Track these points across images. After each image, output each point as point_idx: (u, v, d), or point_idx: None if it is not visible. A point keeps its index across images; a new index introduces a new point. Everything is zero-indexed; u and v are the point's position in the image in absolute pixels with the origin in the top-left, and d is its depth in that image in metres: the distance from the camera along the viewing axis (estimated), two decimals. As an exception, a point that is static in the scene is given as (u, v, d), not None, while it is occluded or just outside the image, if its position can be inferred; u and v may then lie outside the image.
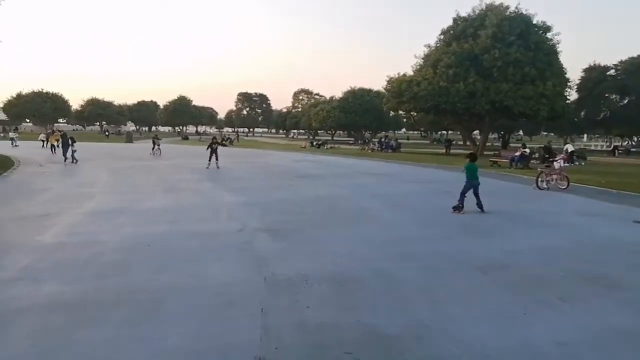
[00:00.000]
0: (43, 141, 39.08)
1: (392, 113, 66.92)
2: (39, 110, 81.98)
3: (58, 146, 29.29)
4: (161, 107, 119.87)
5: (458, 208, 11.04)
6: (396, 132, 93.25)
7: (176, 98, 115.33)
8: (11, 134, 43.81)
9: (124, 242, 7.84)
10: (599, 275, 6.41)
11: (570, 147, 33.17)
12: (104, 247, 7.52)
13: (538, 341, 4.36)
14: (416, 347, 4.18)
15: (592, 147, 58.14)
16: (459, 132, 60.03)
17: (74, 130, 62.75)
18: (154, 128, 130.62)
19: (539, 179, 16.39)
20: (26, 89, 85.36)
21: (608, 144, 59.60)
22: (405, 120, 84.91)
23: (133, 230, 8.81)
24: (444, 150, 45.60)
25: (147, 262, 6.72)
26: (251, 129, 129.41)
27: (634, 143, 59.41)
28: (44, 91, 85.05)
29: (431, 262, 6.88)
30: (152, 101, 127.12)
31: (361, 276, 6.17)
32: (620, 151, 51.38)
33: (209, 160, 22.62)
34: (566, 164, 19.53)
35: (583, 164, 30.45)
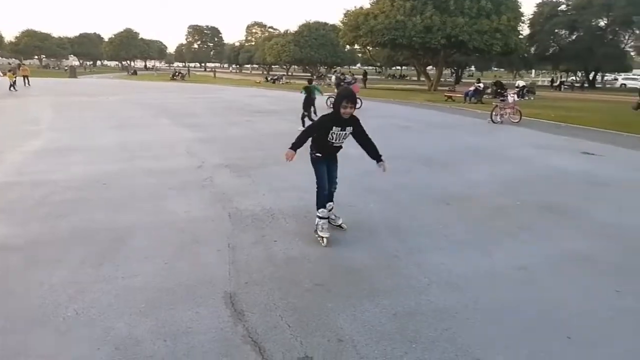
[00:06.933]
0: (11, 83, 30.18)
1: (347, 47, 65.76)
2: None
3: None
4: (106, 40, 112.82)
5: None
6: (351, 67, 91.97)
7: (122, 30, 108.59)
8: None
9: (77, 181, 7.48)
10: (552, 203, 6.69)
11: (521, 82, 33.88)
12: (56, 186, 7.15)
13: (500, 267, 4.54)
14: (385, 277, 4.25)
15: (540, 83, 59.62)
16: (413, 68, 59.93)
17: (9, 64, 58.09)
18: (99, 62, 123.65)
19: (493, 113, 16.73)
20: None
21: (552, 79, 61.23)
22: (360, 55, 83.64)
23: (86, 168, 8.41)
24: (399, 86, 45.56)
25: (104, 201, 6.45)
26: (203, 64, 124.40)
27: (578, 79, 61.41)
28: (-29, 21, 77.83)
29: (395, 195, 6.95)
30: (95, 34, 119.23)
31: (326, 210, 6.16)
32: (565, 86, 52.99)
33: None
34: (517, 99, 19.96)
35: (532, 98, 31.24)
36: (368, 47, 48.68)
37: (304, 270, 4.37)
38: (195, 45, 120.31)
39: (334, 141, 4.98)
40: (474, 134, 13.98)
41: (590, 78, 58.57)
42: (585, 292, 4.05)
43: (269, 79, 55.94)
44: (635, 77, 61.29)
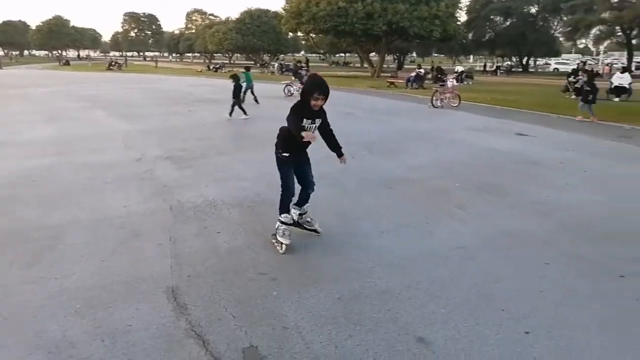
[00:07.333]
0: None
1: (290, 35, 65.37)
2: None
3: None
4: (33, 28, 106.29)
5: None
6: (295, 54, 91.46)
7: (51, 18, 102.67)
8: None
9: (5, 178, 7.03)
10: (489, 184, 6.97)
11: (460, 68, 34.95)
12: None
13: (440, 247, 4.68)
14: (330, 262, 4.29)
15: (477, 68, 61.85)
16: (357, 54, 60.33)
17: None
18: (26, 52, 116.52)
19: (434, 98, 17.16)
20: None
21: (490, 64, 63.67)
22: (304, 42, 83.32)
23: (15, 164, 7.92)
24: (342, 73, 45.79)
25: (36, 198, 6.10)
26: (141, 53, 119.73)
27: (512, 63, 64.05)
28: None
29: (339, 181, 7.00)
30: (20, 21, 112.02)
31: (270, 199, 6.12)
32: (501, 71, 55.16)
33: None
34: (456, 84, 20.59)
35: (471, 83, 32.29)
36: (311, 34, 48.64)
37: (248, 260, 4.32)
38: (133, 34, 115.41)
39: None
40: (416, 119, 14.30)
41: (524, 63, 61.25)
42: (518, 267, 4.25)
43: (211, 67, 54.68)
44: (567, 61, 64.55)
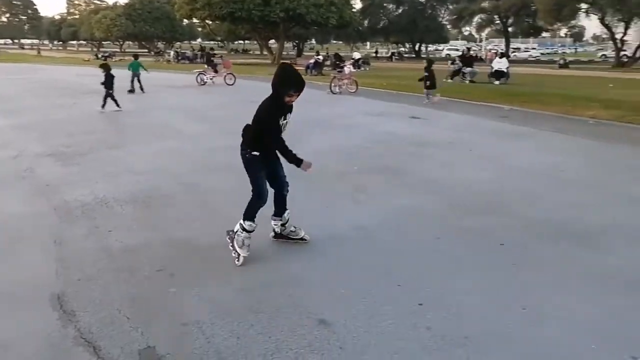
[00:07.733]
0: None
1: (185, 22, 62.94)
2: None
3: None
4: None
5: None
6: (192, 42, 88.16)
7: None
8: None
9: None
10: (385, 166, 7.26)
11: (357, 54, 35.95)
12: None
13: (340, 229, 4.80)
14: (231, 253, 4.21)
15: (373, 54, 64.18)
16: (256, 42, 59.71)
17: None
18: None
19: (332, 84, 17.48)
20: None
21: (385, 50, 66.49)
22: (200, 29, 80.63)
23: None
24: (242, 60, 45.05)
25: None
26: (16, 40, 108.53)
27: (405, 50, 67.20)
28: None
29: (238, 171, 6.88)
30: None
31: (168, 192, 5.89)
32: (396, 57, 57.65)
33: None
34: (354, 70, 21.12)
35: (368, 69, 33.36)
36: (207, 21, 47.22)
37: (143, 257, 4.11)
38: (4, 19, 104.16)
39: None
40: (315, 106, 14.44)
41: (416, 49, 64.47)
42: (413, 243, 4.49)
43: (99, 56, 51.01)
44: (457, 47, 68.91)
